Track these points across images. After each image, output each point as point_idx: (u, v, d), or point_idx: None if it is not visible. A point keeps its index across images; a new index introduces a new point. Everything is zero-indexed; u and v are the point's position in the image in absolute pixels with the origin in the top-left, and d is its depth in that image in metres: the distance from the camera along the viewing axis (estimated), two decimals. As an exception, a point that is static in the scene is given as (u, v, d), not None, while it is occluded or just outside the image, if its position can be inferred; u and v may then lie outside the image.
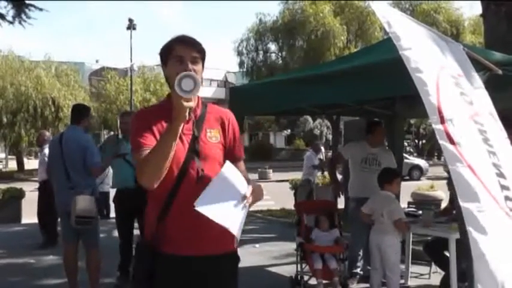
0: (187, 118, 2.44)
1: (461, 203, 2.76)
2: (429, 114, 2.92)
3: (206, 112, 2.78)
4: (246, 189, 2.53)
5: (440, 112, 2.89)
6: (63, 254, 6.02)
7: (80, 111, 6.13)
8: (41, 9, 12.69)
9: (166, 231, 2.62)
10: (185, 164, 2.62)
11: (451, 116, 2.89)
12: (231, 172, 2.55)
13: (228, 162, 2.58)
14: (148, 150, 2.52)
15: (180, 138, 2.55)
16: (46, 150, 9.16)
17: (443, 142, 2.85)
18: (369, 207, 5.75)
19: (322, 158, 15.37)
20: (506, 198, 2.90)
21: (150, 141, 2.57)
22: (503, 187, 2.93)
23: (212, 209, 2.42)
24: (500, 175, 2.96)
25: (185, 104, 2.35)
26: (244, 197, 2.49)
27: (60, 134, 6.33)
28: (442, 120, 2.87)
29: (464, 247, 4.02)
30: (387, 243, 5.59)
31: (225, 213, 2.44)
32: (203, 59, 2.72)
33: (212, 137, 2.73)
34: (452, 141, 2.84)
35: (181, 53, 2.64)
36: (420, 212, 6.45)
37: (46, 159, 8.22)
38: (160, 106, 2.84)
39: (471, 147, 2.88)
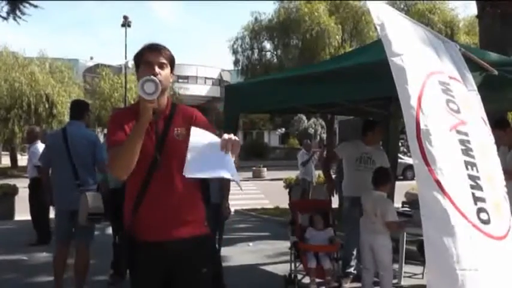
0: (151, 118, 2.75)
1: (423, 219, 2.84)
2: (406, 126, 3.00)
3: (175, 113, 3.07)
4: (217, 140, 2.69)
5: (417, 125, 2.94)
6: (56, 254, 5.87)
7: (81, 106, 6.05)
8: (35, 6, 12.65)
9: (141, 220, 2.96)
10: (154, 160, 2.92)
11: (427, 129, 2.95)
12: (199, 133, 2.75)
13: (192, 128, 2.77)
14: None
15: (150, 136, 2.91)
16: (38, 146, 9.12)
17: (415, 157, 2.94)
18: (364, 207, 5.77)
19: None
20: (479, 210, 2.95)
21: (122, 139, 2.86)
22: (478, 199, 2.98)
23: (201, 170, 2.65)
24: (476, 187, 3.01)
25: (148, 105, 2.66)
26: (219, 146, 2.64)
27: (61, 129, 6.04)
28: (418, 134, 2.92)
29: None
30: (380, 243, 5.61)
31: (213, 166, 2.63)
32: (171, 65, 3.03)
33: (179, 135, 2.99)
34: (424, 157, 2.89)
35: (149, 58, 2.94)
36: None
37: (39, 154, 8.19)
38: (132, 107, 3.10)
39: (445, 161, 2.93)
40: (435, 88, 3.21)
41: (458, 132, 3.15)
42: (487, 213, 2.97)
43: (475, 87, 3.63)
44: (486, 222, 2.94)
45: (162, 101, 3.00)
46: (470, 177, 3.03)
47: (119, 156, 2.79)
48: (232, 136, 2.65)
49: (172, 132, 3.00)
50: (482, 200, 3.00)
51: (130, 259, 3.00)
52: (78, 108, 5.99)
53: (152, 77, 2.68)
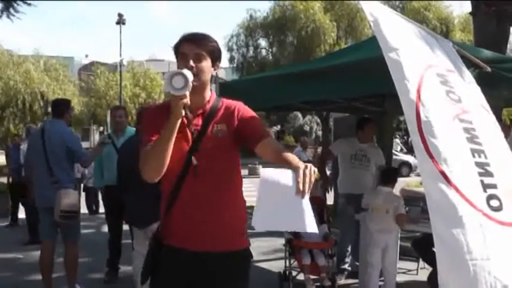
0: (182, 114, 2.48)
1: (430, 212, 2.81)
2: (407, 120, 2.99)
3: (217, 107, 2.79)
4: (292, 180, 2.28)
5: (418, 117, 2.94)
6: (41, 251, 5.85)
7: (60, 105, 6.06)
8: (29, 4, 12.62)
9: (171, 224, 2.72)
10: (188, 159, 2.65)
11: (429, 121, 2.94)
12: (270, 174, 2.38)
13: (262, 170, 2.48)
14: None
15: (185, 135, 2.64)
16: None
17: (417, 150, 2.93)
18: (372, 205, 5.73)
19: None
20: (490, 197, 2.90)
21: (154, 137, 2.62)
22: (488, 186, 2.93)
23: (272, 222, 2.29)
24: (485, 174, 2.97)
25: (179, 101, 2.41)
26: (294, 189, 2.26)
27: (40, 128, 6.16)
28: (419, 127, 2.92)
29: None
30: (394, 242, 5.70)
31: (286, 217, 2.25)
32: (212, 55, 2.73)
33: (218, 131, 2.72)
34: (427, 149, 2.89)
35: (184, 50, 2.69)
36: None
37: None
38: (168, 103, 2.84)
39: (449, 151, 2.90)
40: (433, 80, 3.19)
41: (462, 120, 3.12)
42: (499, 200, 2.91)
43: (473, 80, 3.64)
44: (497, 209, 2.88)
45: (200, 96, 2.73)
46: (478, 164, 2.98)
47: (148, 157, 2.57)
48: (308, 170, 2.28)
49: (210, 130, 2.71)
50: (493, 186, 2.94)
51: (154, 262, 2.76)
52: (57, 107, 6.01)
53: (181, 70, 2.45)
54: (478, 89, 3.60)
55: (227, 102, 2.85)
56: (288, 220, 2.26)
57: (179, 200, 2.68)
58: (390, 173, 5.91)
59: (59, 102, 6.33)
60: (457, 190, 2.80)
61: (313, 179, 2.29)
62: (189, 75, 2.43)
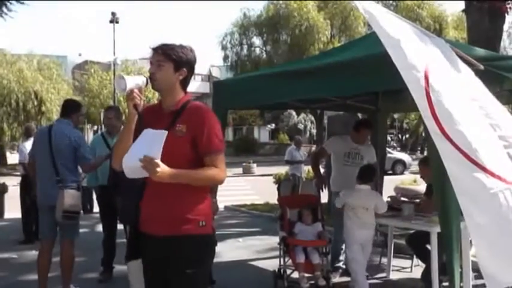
0: (134, 113, 2.93)
1: (458, 196, 2.79)
2: (419, 107, 2.97)
3: (183, 109, 3.09)
4: (153, 155, 2.73)
5: (430, 102, 2.92)
6: (40, 250, 5.84)
7: (68, 106, 6.06)
8: (22, 3, 12.59)
9: (142, 212, 3.14)
10: None
11: (442, 104, 2.92)
12: (156, 137, 2.80)
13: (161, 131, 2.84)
14: None
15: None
16: (26, 143, 9.25)
17: (434, 136, 2.89)
18: (352, 203, 5.76)
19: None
20: None
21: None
22: None
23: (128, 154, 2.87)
24: (510, 145, 2.98)
25: (128, 101, 2.91)
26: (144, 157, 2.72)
27: (48, 126, 6.14)
28: (433, 112, 2.90)
29: (445, 240, 4.07)
30: (371, 237, 5.81)
31: (130, 157, 2.83)
32: (175, 62, 3.05)
33: (179, 131, 3.01)
34: (443, 132, 2.86)
35: (151, 58, 3.07)
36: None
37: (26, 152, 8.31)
38: (157, 104, 3.31)
39: (468, 130, 2.88)
40: (439, 65, 3.21)
41: (474, 99, 3.14)
42: None
43: (471, 72, 3.67)
44: None
45: (170, 97, 3.11)
46: (501, 137, 3.00)
47: (114, 149, 3.10)
48: (152, 163, 2.72)
49: (174, 128, 2.99)
50: None
51: (134, 244, 3.26)
52: (65, 108, 6.04)
53: (122, 74, 2.89)
54: (477, 78, 3.62)
55: (194, 105, 3.15)
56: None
57: (146, 191, 3.11)
58: (368, 172, 5.92)
59: (68, 102, 6.32)
60: (483, 168, 2.78)
61: (150, 170, 2.74)
62: (133, 79, 2.89)
